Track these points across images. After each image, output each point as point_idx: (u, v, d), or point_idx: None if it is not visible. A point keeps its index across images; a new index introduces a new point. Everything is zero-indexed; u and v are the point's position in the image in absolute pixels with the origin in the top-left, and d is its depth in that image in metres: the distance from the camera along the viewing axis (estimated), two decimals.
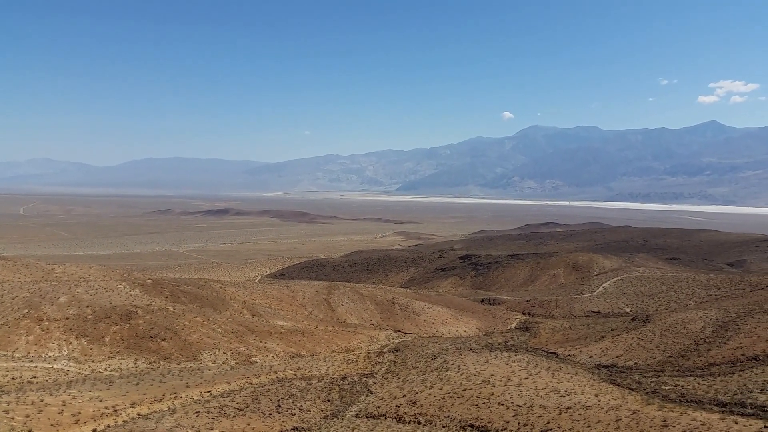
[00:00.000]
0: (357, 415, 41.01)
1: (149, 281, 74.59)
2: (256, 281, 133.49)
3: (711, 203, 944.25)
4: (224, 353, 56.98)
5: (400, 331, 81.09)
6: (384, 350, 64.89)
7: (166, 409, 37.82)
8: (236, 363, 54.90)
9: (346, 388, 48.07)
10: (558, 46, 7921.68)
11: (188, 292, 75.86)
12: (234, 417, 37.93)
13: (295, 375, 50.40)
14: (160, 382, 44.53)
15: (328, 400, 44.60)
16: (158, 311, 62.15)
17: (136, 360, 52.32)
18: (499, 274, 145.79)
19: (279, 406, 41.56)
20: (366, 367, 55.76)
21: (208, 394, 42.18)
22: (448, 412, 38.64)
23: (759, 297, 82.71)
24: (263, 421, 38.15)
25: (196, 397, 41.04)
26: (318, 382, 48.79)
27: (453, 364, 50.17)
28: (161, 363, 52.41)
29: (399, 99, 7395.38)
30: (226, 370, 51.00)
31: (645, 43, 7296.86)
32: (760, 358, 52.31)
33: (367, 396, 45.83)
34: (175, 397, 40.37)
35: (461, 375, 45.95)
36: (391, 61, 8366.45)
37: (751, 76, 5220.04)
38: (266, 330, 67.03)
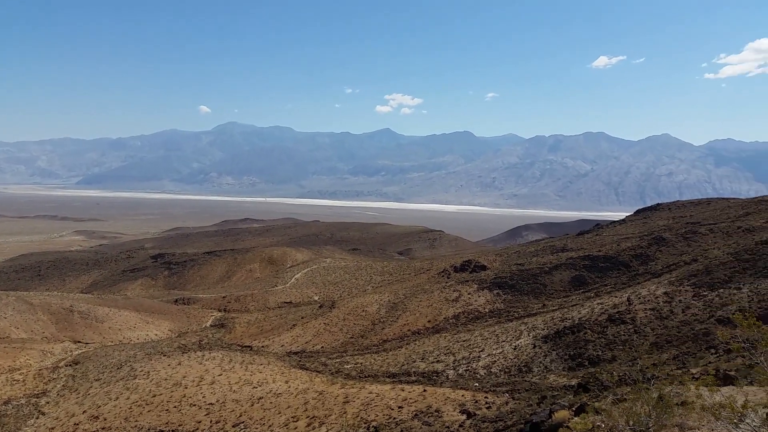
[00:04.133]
0: None
1: None
2: None
3: (385, 200, 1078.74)
4: None
5: (80, 342, 72.40)
6: (60, 365, 57.13)
7: None
8: None
9: (9, 413, 40.93)
10: (252, 47, 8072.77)
11: None
12: None
13: None
14: None
15: None
16: None
17: None
18: (195, 272, 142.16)
19: None
20: (37, 386, 48.32)
21: None
22: (136, 421, 36.24)
23: (420, 280, 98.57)
24: None
25: None
26: None
27: (142, 370, 47.11)
28: None
29: (79, 82, 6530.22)
30: None
31: (334, 53, 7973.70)
32: (422, 331, 62.69)
33: (37, 419, 39.83)
34: None
35: (151, 381, 43.50)
36: (67, 40, 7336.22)
37: (416, 91, 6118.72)
38: None
